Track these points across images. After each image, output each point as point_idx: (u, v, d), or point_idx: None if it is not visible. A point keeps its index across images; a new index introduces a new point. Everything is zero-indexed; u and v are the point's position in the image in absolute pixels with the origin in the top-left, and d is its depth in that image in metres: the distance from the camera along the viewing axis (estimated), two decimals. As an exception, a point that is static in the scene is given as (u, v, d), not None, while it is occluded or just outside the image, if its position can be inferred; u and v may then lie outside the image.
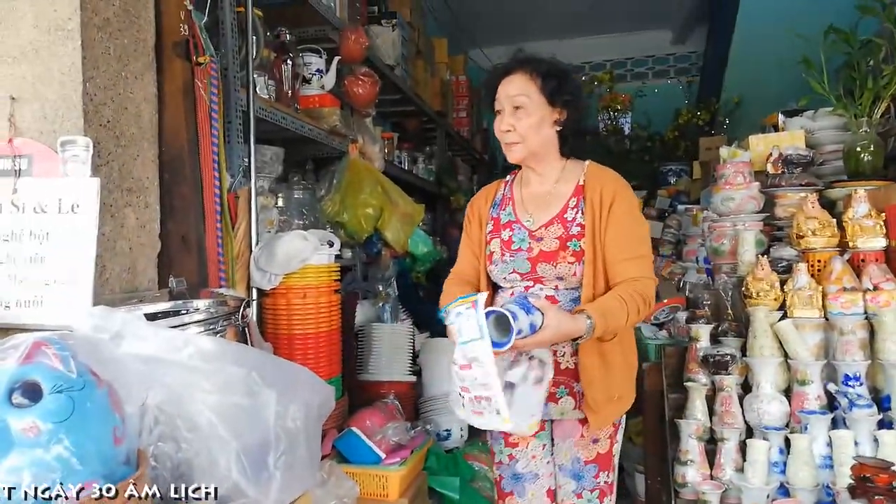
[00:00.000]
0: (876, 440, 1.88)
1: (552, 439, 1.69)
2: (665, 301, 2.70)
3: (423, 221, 3.90)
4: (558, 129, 1.66)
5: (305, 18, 2.62)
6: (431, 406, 2.40)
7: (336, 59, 2.66)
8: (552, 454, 1.69)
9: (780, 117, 2.87)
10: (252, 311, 1.50)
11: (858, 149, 2.40)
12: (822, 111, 2.64)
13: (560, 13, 5.88)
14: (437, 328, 2.87)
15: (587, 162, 1.71)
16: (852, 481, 1.72)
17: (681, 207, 3.55)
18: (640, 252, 1.60)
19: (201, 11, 1.84)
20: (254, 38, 2.11)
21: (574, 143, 1.70)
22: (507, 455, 1.71)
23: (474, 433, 2.51)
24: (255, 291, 1.87)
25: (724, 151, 2.49)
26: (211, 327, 1.34)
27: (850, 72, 2.50)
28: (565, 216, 1.63)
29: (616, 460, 1.69)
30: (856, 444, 1.89)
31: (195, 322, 1.32)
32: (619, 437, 1.69)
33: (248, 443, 1.17)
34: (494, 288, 1.70)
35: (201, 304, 1.35)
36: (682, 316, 2.47)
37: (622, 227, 1.59)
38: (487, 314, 1.31)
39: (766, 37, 4.40)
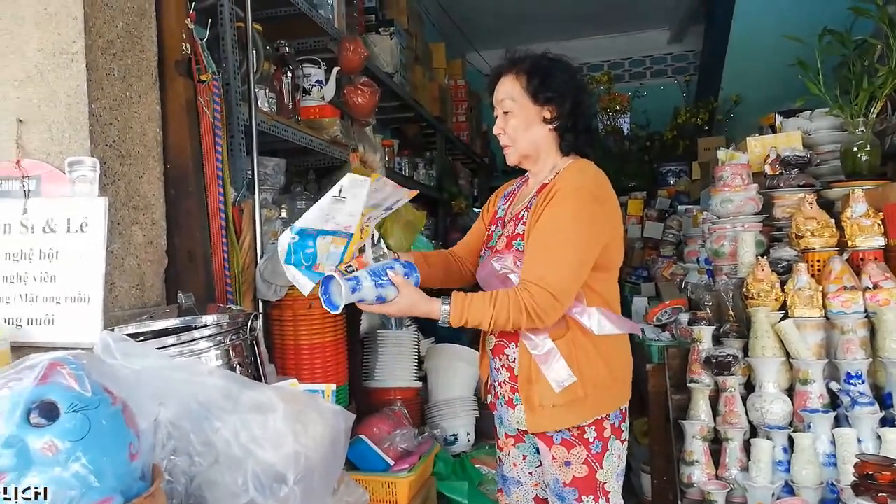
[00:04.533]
0: (879, 437, 1.89)
1: (538, 451, 1.64)
2: (667, 302, 2.72)
3: (424, 227, 3.93)
4: (551, 126, 1.62)
5: (304, 30, 2.65)
6: (438, 411, 2.42)
7: (335, 69, 2.69)
8: (539, 465, 1.67)
9: (778, 118, 2.89)
10: (259, 325, 1.52)
11: (855, 148, 2.42)
12: (818, 112, 2.66)
13: (557, 15, 5.91)
14: (442, 333, 2.90)
15: (570, 160, 1.64)
16: (856, 479, 1.74)
17: (681, 208, 3.57)
18: (550, 255, 1.49)
19: (203, 29, 1.87)
20: (254, 52, 2.13)
21: (576, 138, 1.63)
22: (498, 456, 1.76)
23: (481, 437, 2.53)
24: (260, 303, 1.90)
25: (721, 154, 2.51)
26: (220, 342, 1.37)
27: (845, 72, 2.52)
28: (520, 215, 1.63)
29: (611, 485, 1.58)
30: (859, 441, 1.91)
31: (205, 337, 1.34)
32: (607, 463, 1.57)
33: (266, 459, 1.20)
34: None
35: (210, 319, 1.37)
36: (685, 317, 2.49)
37: (545, 223, 1.52)
38: (327, 279, 1.46)
39: (762, 36, 4.42)
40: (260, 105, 2.17)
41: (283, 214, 2.31)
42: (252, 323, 1.44)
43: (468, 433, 2.42)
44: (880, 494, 1.67)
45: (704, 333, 2.22)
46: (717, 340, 2.25)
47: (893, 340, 1.96)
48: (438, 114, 4.50)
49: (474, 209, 4.50)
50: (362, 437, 1.80)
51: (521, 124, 1.62)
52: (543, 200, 1.55)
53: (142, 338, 1.36)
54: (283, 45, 2.48)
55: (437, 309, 1.49)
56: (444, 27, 5.93)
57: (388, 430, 1.83)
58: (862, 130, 2.45)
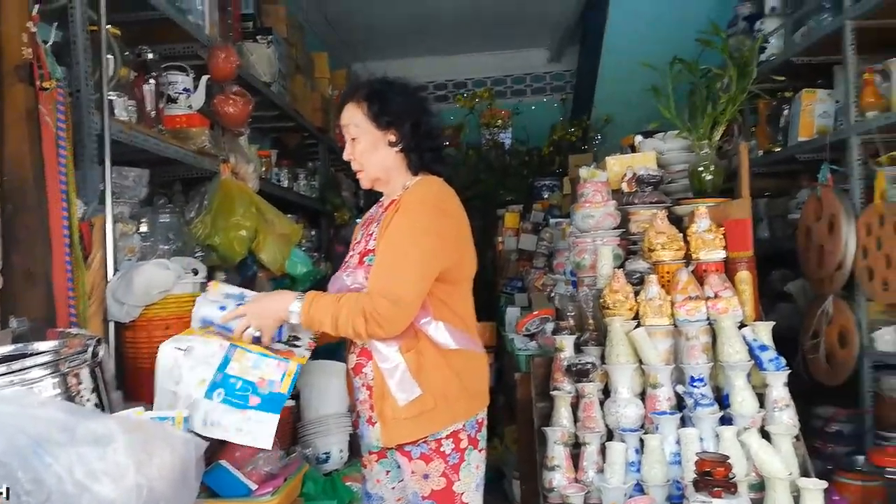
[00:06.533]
0: (717, 436, 2.07)
1: (400, 467, 1.67)
2: (535, 312, 2.83)
3: (306, 238, 3.87)
4: (397, 149, 1.67)
5: (171, 36, 2.55)
6: (310, 429, 2.38)
7: (205, 77, 2.60)
8: (401, 481, 1.70)
9: (637, 138, 3.09)
10: (106, 350, 1.44)
11: (701, 169, 2.63)
12: (670, 134, 2.87)
13: (442, 30, 6.03)
14: (318, 349, 2.85)
15: (418, 177, 1.70)
16: (696, 475, 1.89)
17: (553, 221, 3.74)
18: (391, 264, 1.54)
19: (49, 31, 1.75)
20: (109, 57, 2.03)
21: (422, 158, 1.69)
22: (362, 473, 1.78)
23: (355, 454, 2.51)
24: (112, 325, 1.79)
25: (583, 172, 2.65)
26: (57, 369, 1.28)
27: (693, 98, 2.74)
28: (371, 232, 1.68)
29: (469, 496, 1.61)
30: (701, 440, 2.07)
31: (38, 365, 1.26)
32: (464, 473, 1.60)
33: (104, 495, 1.14)
34: None
35: (43, 345, 1.29)
36: (550, 327, 2.61)
37: (390, 235, 1.57)
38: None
39: (628, 61, 4.71)
40: (117, 113, 2.07)
41: (143, 228, 2.21)
42: (95, 348, 1.36)
43: (341, 450, 2.39)
44: (715, 489, 1.82)
45: (566, 342, 2.33)
46: (578, 349, 2.37)
47: (731, 346, 2.15)
48: (321, 124, 4.45)
49: (356, 221, 4.48)
50: (222, 462, 1.73)
51: (367, 149, 1.66)
52: (391, 216, 1.60)
53: (-36, 367, 1.25)
54: (145, 51, 2.38)
55: (288, 304, 1.52)
56: (328, 37, 5.88)
57: (251, 454, 1.78)
58: (706, 152, 2.66)
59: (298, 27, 4.28)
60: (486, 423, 1.69)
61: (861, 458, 2.46)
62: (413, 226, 1.56)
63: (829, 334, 2.78)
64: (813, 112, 3.02)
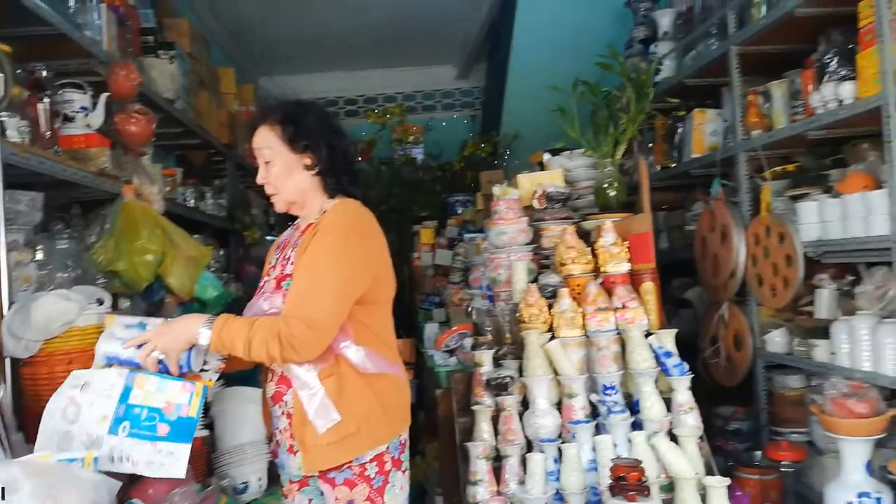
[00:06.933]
0: (630, 441, 2.16)
1: (322, 495, 1.66)
2: (455, 328, 2.87)
3: (214, 259, 3.74)
4: (313, 172, 1.66)
5: (66, 52, 2.42)
6: (227, 459, 2.30)
7: (104, 95, 2.49)
8: None
9: (545, 156, 3.20)
10: (3, 389, 1.34)
11: (605, 185, 2.77)
12: (576, 152, 3.00)
13: (351, 45, 6.02)
14: (232, 376, 2.76)
15: (336, 200, 1.69)
16: (611, 481, 1.97)
17: (467, 236, 3.81)
18: (309, 287, 1.52)
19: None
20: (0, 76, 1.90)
21: (338, 181, 1.69)
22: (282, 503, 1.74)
23: (275, 481, 2.45)
24: (8, 362, 1.67)
25: (496, 189, 2.72)
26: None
27: (595, 118, 2.88)
28: (287, 256, 1.66)
29: None
30: (615, 446, 2.16)
31: (-75, 411, 1.16)
32: (389, 496, 1.62)
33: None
34: None
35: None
36: (469, 342, 2.65)
37: (308, 259, 1.56)
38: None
39: (534, 80, 4.87)
40: (9, 135, 1.94)
41: (39, 256, 2.08)
42: (-9, 389, 1.27)
43: (260, 479, 2.32)
44: (630, 493, 1.91)
45: (485, 357, 2.38)
46: (497, 363, 2.42)
47: (639, 354, 2.26)
48: (228, 140, 4.33)
49: (268, 238, 4.39)
50: (135, 500, 1.66)
51: (282, 172, 1.65)
52: (308, 240, 1.59)
53: None
54: (38, 68, 2.24)
55: (197, 328, 1.47)
56: (234, 51, 5.75)
57: (165, 490, 1.70)
58: (610, 169, 2.80)
59: (203, 41, 4.17)
60: (408, 443, 1.70)
61: (758, 453, 2.64)
62: (331, 249, 1.56)
63: (726, 338, 2.98)
64: (704, 130, 3.24)
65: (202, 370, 1.66)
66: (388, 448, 1.61)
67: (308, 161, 1.65)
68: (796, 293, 2.55)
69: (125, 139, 2.64)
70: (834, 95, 2.32)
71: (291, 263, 1.62)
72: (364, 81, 6.83)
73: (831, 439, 2.19)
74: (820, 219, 2.43)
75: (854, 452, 2.08)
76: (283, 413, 1.63)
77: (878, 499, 2.06)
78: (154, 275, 2.51)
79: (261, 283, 1.76)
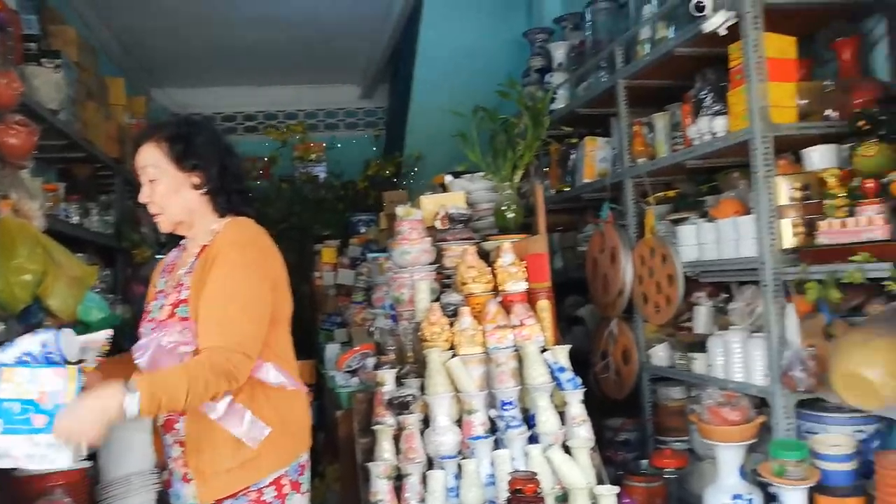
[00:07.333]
0: (527, 455, 2.24)
1: None
2: (357, 348, 2.87)
3: (100, 279, 3.53)
4: (202, 191, 1.63)
5: (-65, 56, 2.25)
6: (112, 491, 2.17)
7: (-21, 104, 2.32)
8: None
9: (447, 178, 3.28)
10: None
11: (504, 207, 2.87)
12: (477, 175, 3.10)
13: (252, 60, 5.91)
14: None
15: (227, 220, 1.66)
16: (509, 494, 2.03)
17: (371, 256, 3.81)
18: (229, 315, 1.49)
19: None
20: None
21: (229, 199, 1.66)
22: None
23: (165, 510, 2.34)
24: None
25: (400, 210, 2.76)
26: None
27: (494, 143, 2.99)
28: (181, 281, 1.61)
29: None
30: (512, 460, 2.23)
31: None
32: None
33: None
34: None
35: None
36: (371, 362, 2.65)
37: (215, 285, 1.51)
38: None
39: (437, 102, 4.97)
40: None
41: None
42: None
43: (149, 509, 2.22)
44: (526, 505, 1.97)
45: (387, 376, 2.39)
46: (399, 382, 2.44)
47: (535, 369, 2.34)
48: (116, 154, 4.13)
49: (157, 257, 4.19)
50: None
51: (168, 192, 1.61)
52: (206, 263, 1.55)
53: None
54: None
55: (118, 402, 1.33)
56: (125, 61, 5.50)
57: None
58: (509, 192, 2.91)
59: (90, 50, 3.97)
60: (308, 465, 1.68)
61: (645, 462, 2.80)
62: (240, 273, 1.52)
63: (615, 353, 3.14)
64: (595, 157, 3.44)
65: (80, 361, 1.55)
66: (286, 471, 1.58)
67: (197, 180, 1.62)
68: (677, 310, 2.75)
69: (3, 151, 2.47)
70: (708, 128, 2.53)
71: (187, 289, 1.57)
72: (264, 97, 6.72)
73: (709, 446, 2.36)
74: (697, 241, 2.63)
75: (728, 457, 2.26)
76: (175, 441, 1.58)
77: (750, 500, 2.24)
78: (33, 296, 2.35)
79: (146, 307, 1.69)
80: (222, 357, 1.45)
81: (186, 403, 1.41)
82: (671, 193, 3.03)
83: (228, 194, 1.65)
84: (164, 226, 1.65)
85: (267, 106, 6.78)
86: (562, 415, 2.33)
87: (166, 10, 4.82)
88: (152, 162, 1.60)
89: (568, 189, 3.68)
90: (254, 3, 4.82)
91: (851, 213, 2.08)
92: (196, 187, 1.62)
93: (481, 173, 3.08)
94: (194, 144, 1.61)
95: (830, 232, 2.11)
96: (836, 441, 2.12)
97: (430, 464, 2.27)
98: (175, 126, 1.63)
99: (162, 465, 1.67)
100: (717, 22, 2.32)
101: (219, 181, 1.63)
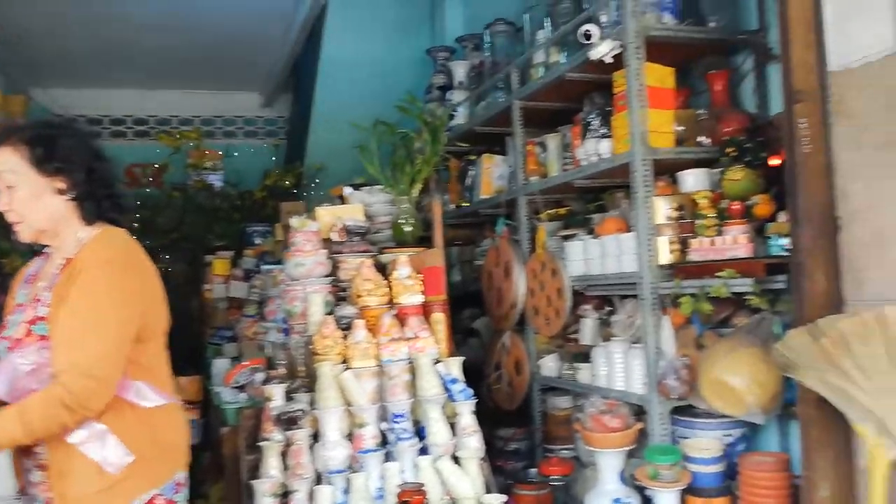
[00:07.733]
0: (416, 466, 2.24)
1: None
2: (246, 363, 2.78)
3: (-38, 289, 3.24)
4: (67, 197, 1.54)
5: None
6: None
7: None
8: None
9: (346, 190, 3.26)
10: None
11: (402, 221, 2.89)
12: (376, 188, 3.10)
13: (144, 62, 5.65)
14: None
15: (96, 230, 1.57)
16: (398, 506, 2.03)
17: (265, 268, 3.71)
18: (82, 337, 1.41)
19: None
20: None
21: (99, 206, 1.58)
22: None
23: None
24: None
25: (294, 221, 2.71)
26: None
27: (394, 157, 3.01)
28: (39, 296, 1.51)
29: None
30: (402, 472, 2.22)
31: None
32: None
33: None
34: None
35: None
36: (260, 377, 2.58)
37: (74, 306, 1.43)
38: None
39: (340, 114, 4.95)
40: None
41: None
42: None
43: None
44: (414, 517, 1.98)
45: (276, 391, 2.33)
46: (289, 397, 2.38)
47: (427, 381, 2.36)
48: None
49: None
50: None
51: (28, 198, 1.51)
52: (70, 278, 1.46)
53: None
54: None
55: None
56: (2, 56, 5.12)
57: None
58: (406, 206, 2.94)
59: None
60: (187, 483, 1.61)
61: (534, 470, 2.88)
62: (101, 291, 1.44)
63: (508, 364, 3.22)
64: (492, 174, 3.53)
65: None
66: (160, 491, 1.51)
67: (61, 185, 1.52)
68: (566, 322, 2.86)
69: None
70: (595, 150, 2.67)
71: (45, 305, 1.47)
72: (157, 102, 6.42)
73: (591, 453, 2.46)
74: (584, 256, 2.75)
75: (608, 463, 2.36)
76: (35, 466, 1.47)
77: (629, 503, 2.35)
78: None
79: (3, 322, 1.57)
80: (62, 387, 1.37)
81: (28, 439, 1.35)
82: (562, 211, 3.16)
83: (98, 200, 1.56)
84: (24, 235, 1.53)
85: (159, 111, 6.47)
86: (453, 426, 2.35)
87: (56, 3, 4.52)
88: (10, 167, 1.49)
89: (467, 204, 3.75)
90: (152, 4, 4.61)
91: (720, 233, 2.24)
92: (61, 192, 1.52)
93: (380, 186, 3.09)
94: (56, 147, 1.51)
95: (701, 249, 2.27)
96: (705, 445, 2.27)
97: (319, 479, 2.23)
98: (34, 128, 1.53)
99: (21, 489, 1.54)
100: (603, 50, 2.46)
101: (86, 186, 1.54)
